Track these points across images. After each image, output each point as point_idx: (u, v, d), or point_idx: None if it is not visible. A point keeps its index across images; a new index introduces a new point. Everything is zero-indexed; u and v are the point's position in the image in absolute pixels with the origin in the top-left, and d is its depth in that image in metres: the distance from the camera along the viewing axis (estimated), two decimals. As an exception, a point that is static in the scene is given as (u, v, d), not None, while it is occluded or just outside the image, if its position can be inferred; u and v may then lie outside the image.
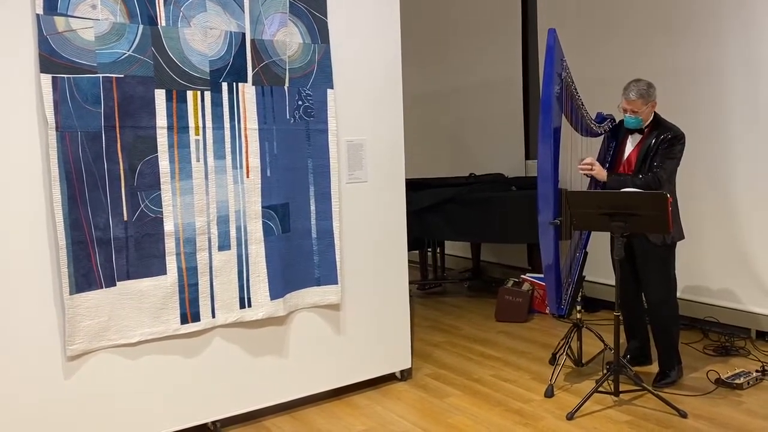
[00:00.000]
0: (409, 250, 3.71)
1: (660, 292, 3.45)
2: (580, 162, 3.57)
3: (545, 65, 3.40)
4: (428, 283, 5.97)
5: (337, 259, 3.31)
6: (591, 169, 3.48)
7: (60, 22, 2.54)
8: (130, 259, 2.75)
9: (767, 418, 3.08)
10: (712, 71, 4.26)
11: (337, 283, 3.32)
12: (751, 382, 3.44)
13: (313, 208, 3.25)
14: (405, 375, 3.70)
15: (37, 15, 2.50)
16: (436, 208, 5.22)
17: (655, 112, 3.46)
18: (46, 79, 2.52)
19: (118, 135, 2.69)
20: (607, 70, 4.78)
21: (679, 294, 3.58)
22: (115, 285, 2.72)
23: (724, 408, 3.20)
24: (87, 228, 2.64)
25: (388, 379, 3.66)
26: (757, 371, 3.55)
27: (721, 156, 4.25)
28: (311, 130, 3.21)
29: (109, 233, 2.69)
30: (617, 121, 3.65)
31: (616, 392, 3.26)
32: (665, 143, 3.36)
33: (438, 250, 6.09)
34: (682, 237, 3.47)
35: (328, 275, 3.30)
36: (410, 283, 3.73)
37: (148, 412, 2.86)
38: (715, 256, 4.34)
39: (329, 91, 3.24)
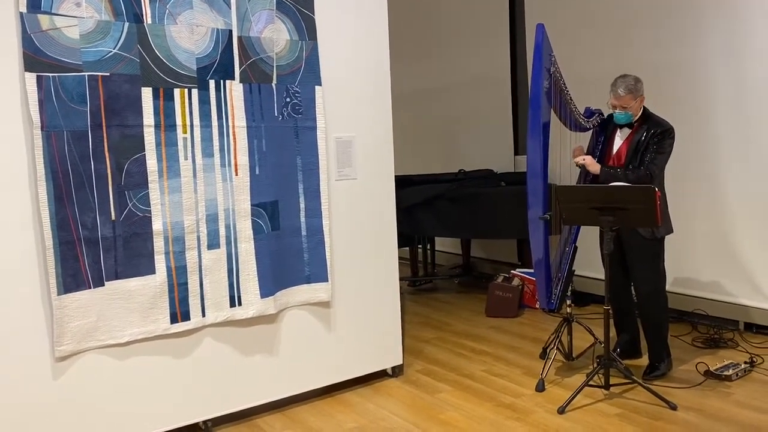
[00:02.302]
0: (399, 246, 3.71)
1: (649, 286, 3.47)
2: (572, 153, 3.59)
3: (534, 61, 3.40)
4: (419, 280, 5.97)
5: (327, 257, 3.31)
6: (583, 160, 3.50)
7: (44, 20, 2.51)
8: (118, 258, 2.73)
9: (756, 409, 3.11)
10: (698, 65, 4.29)
11: (327, 281, 3.32)
12: (739, 374, 3.47)
13: (302, 205, 3.24)
14: (396, 371, 3.70)
15: (21, 13, 2.47)
16: (425, 205, 5.22)
17: (644, 107, 3.48)
18: (31, 78, 2.50)
19: (104, 134, 2.67)
20: (595, 65, 4.80)
21: (668, 287, 3.60)
22: (103, 285, 2.70)
23: (713, 400, 3.22)
24: (74, 228, 2.62)
25: (380, 375, 3.66)
26: (745, 363, 3.58)
27: (708, 150, 4.28)
28: (300, 127, 3.20)
29: (96, 233, 2.67)
30: (606, 116, 3.66)
31: (607, 385, 3.28)
32: (655, 138, 3.38)
33: (428, 247, 6.10)
34: (670, 231, 3.49)
35: (318, 273, 3.30)
36: (401, 279, 3.74)
37: (138, 413, 2.84)
38: (703, 250, 4.37)
39: (317, 88, 3.23)
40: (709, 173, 4.29)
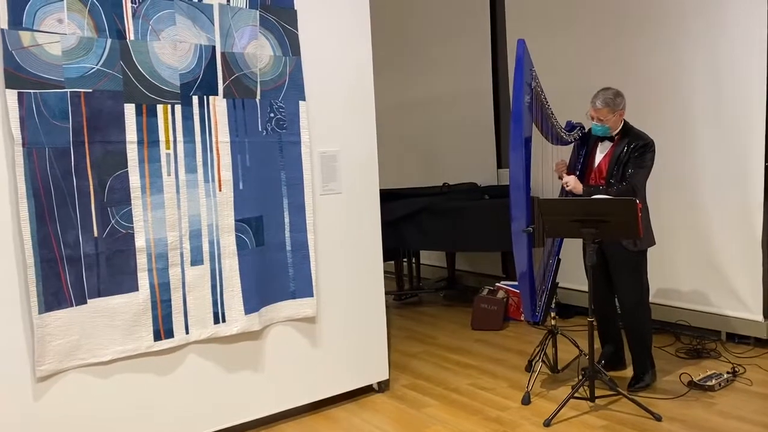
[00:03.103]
0: (384, 260, 3.71)
1: (633, 297, 3.50)
2: (555, 167, 3.63)
3: (515, 76, 3.44)
4: (404, 294, 5.97)
5: (313, 272, 3.30)
6: (567, 184, 3.52)
7: (25, 36, 2.50)
8: (101, 276, 2.70)
9: (739, 418, 3.13)
10: (678, 78, 4.36)
11: (312, 296, 3.31)
12: (722, 384, 3.50)
13: (287, 220, 3.23)
14: (382, 386, 3.69)
15: (2, 30, 2.45)
16: (410, 218, 5.23)
17: (624, 120, 3.52)
18: (12, 95, 2.48)
19: (87, 150, 2.65)
20: (576, 80, 4.85)
21: (651, 298, 3.63)
22: (85, 303, 2.67)
23: (697, 410, 3.25)
24: (56, 245, 2.59)
25: (366, 391, 3.64)
26: (728, 372, 3.61)
27: (689, 162, 4.34)
28: (284, 142, 3.20)
29: (79, 250, 2.65)
30: (587, 129, 3.70)
31: (592, 397, 3.29)
32: (636, 152, 3.42)
33: (413, 260, 6.10)
34: (653, 243, 3.53)
35: (303, 288, 3.29)
36: (386, 293, 3.73)
37: (122, 431, 2.81)
38: (685, 261, 4.41)
39: (301, 103, 3.24)
40: (690, 185, 4.34)
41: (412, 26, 6.68)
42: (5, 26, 2.46)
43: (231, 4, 3.01)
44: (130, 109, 2.75)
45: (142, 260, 2.80)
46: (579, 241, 3.56)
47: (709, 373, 3.60)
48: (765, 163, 3.97)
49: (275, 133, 3.17)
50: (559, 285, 4.01)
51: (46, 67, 2.55)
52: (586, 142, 3.70)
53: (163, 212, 2.85)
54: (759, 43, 3.92)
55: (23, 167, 2.51)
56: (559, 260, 3.77)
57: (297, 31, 3.22)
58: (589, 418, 3.19)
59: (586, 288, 3.42)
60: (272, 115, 3.16)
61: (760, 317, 4.07)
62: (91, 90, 2.65)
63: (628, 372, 3.66)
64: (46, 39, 2.55)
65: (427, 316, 5.36)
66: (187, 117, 2.90)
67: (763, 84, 3.92)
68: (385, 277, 3.71)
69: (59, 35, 2.57)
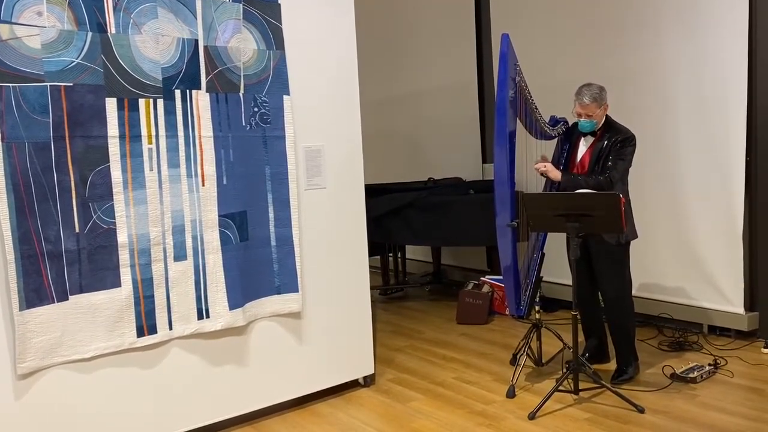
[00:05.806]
0: (369, 255, 3.71)
1: (616, 291, 3.52)
2: (536, 162, 3.64)
3: (499, 70, 3.44)
4: (390, 288, 5.98)
5: (298, 267, 3.29)
6: (545, 167, 3.55)
7: (4, 29, 2.46)
8: (82, 272, 2.68)
9: (720, 410, 3.17)
10: (658, 73, 4.39)
11: (297, 291, 3.30)
12: (704, 376, 3.54)
13: (271, 215, 3.22)
14: (368, 381, 3.69)
15: (-20, 22, 2.42)
16: (396, 213, 5.24)
17: (606, 115, 3.54)
18: (-10, 89, 2.45)
19: (67, 145, 2.62)
20: (559, 74, 4.88)
21: (634, 292, 3.66)
22: (67, 299, 2.65)
23: (679, 402, 3.28)
24: (37, 241, 2.56)
25: (351, 385, 3.65)
26: (709, 365, 3.65)
27: (671, 157, 4.37)
28: (268, 136, 3.18)
29: (60, 246, 2.62)
30: (570, 124, 3.72)
31: (576, 390, 3.31)
32: (617, 145, 3.44)
33: (399, 255, 6.11)
34: (635, 236, 3.55)
35: (288, 283, 3.28)
36: (372, 288, 3.73)
37: (104, 429, 2.78)
38: (667, 255, 4.45)
39: (285, 97, 3.22)
40: (672, 180, 4.38)
41: (397, 21, 6.67)
42: (-17, 19, 2.42)
43: (214, -2, 2.98)
44: (111, 104, 2.72)
45: (124, 256, 2.78)
46: (563, 236, 3.58)
47: (691, 365, 3.64)
48: (746, 158, 4.01)
49: (259, 127, 3.15)
50: (543, 279, 4.03)
51: (26, 60, 2.51)
52: (570, 137, 3.72)
53: (145, 207, 2.83)
54: (740, 39, 3.95)
55: (2, 162, 2.47)
56: (543, 254, 3.79)
57: (281, 24, 3.20)
58: (573, 411, 3.22)
59: (569, 282, 3.44)
60: (256, 109, 3.14)
61: (741, 310, 4.12)
62: (71, 84, 2.62)
63: (612, 365, 3.69)
64: (26, 32, 2.51)
65: (412, 311, 5.37)
66: (170, 111, 2.88)
67: (744, 80, 3.96)
68: (370, 272, 3.71)
69: (39, 28, 2.54)
